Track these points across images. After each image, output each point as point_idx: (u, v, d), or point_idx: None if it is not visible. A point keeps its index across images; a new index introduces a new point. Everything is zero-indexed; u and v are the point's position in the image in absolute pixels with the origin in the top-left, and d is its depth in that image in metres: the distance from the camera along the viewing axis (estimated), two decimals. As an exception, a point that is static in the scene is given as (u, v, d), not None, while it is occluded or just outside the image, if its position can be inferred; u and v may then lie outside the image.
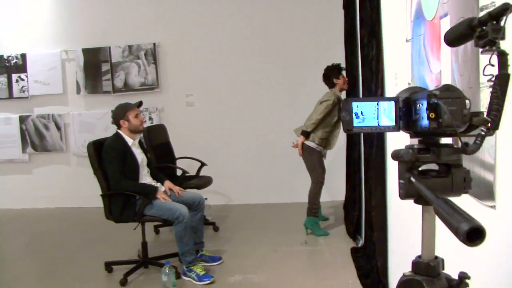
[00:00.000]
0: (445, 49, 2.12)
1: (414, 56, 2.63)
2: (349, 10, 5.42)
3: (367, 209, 4.39)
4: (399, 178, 1.22)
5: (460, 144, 1.06)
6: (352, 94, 5.37)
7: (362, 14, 4.37)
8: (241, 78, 7.19)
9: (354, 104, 1.25)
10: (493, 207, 1.62)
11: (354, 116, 1.24)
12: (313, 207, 5.56)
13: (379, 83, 3.59)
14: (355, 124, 1.24)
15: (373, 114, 1.24)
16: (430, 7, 2.32)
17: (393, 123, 1.24)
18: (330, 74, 5.54)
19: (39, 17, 7.60)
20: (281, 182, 7.13)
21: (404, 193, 1.21)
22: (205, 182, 5.93)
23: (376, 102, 1.24)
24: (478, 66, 1.74)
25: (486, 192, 1.66)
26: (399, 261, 3.44)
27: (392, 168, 3.49)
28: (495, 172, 1.61)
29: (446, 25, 2.09)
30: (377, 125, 1.24)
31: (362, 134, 4.75)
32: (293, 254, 5.03)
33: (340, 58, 5.75)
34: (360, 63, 4.64)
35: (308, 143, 5.48)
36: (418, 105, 1.16)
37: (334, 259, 4.85)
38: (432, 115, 1.08)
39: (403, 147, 1.22)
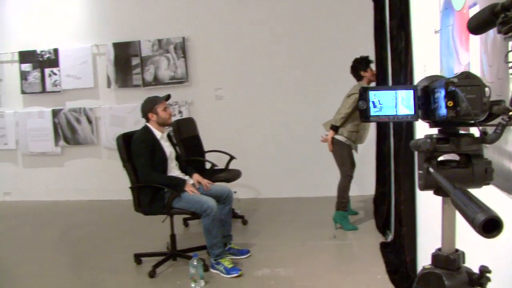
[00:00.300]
0: (474, 39, 2.06)
1: (443, 47, 2.57)
2: (378, 2, 5.35)
3: (396, 204, 4.33)
4: (418, 169, 1.19)
5: (479, 133, 1.02)
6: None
7: (391, 5, 4.31)
8: (269, 70, 7.17)
9: (372, 93, 1.22)
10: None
11: (371, 105, 1.21)
12: (342, 201, 5.51)
13: (408, 75, 3.53)
14: (372, 113, 1.22)
15: (391, 103, 1.21)
16: (459, -3, 2.26)
17: (412, 112, 1.21)
18: (358, 67, 5.48)
19: (71, 12, 7.71)
20: (310, 176, 7.09)
21: (423, 184, 1.17)
22: (234, 175, 5.93)
23: (394, 91, 1.21)
24: (508, 57, 1.69)
25: (515, 185, 1.61)
26: (428, 256, 3.38)
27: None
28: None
29: (475, 15, 2.03)
30: (395, 114, 1.20)
31: (392, 127, 4.68)
32: (321, 248, 5.00)
33: (369, 51, 5.67)
34: (390, 55, 4.58)
35: (337, 137, 5.43)
36: (437, 94, 1.13)
37: (363, 253, 4.80)
38: (450, 103, 1.04)
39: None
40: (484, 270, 1.16)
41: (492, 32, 1.24)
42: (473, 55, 2.08)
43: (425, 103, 1.19)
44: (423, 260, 3.51)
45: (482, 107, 1.04)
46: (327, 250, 4.99)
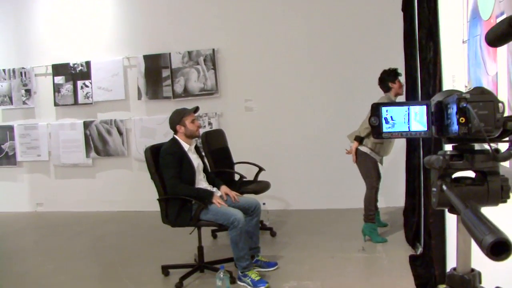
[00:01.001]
0: (502, 50, 2.03)
1: (471, 57, 2.53)
2: (408, 12, 5.30)
3: (426, 216, 4.26)
4: (432, 186, 1.16)
5: (491, 151, 0.99)
6: (411, 97, 5.24)
7: (420, 16, 4.27)
8: (298, 82, 7.16)
9: (384, 109, 1.20)
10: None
11: (383, 121, 1.19)
12: (369, 213, 5.45)
13: (437, 86, 3.49)
14: (384, 130, 1.19)
15: (403, 119, 1.18)
16: (486, 6, 2.23)
17: (425, 128, 1.19)
18: (386, 78, 5.43)
19: (103, 25, 7.86)
20: (339, 188, 7.04)
21: (437, 202, 1.15)
22: (262, 187, 5.91)
23: (406, 107, 1.18)
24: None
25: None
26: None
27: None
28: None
29: (502, 25, 2.00)
30: (407, 130, 1.18)
31: (421, 139, 4.62)
32: (350, 261, 4.95)
33: (398, 61, 5.63)
34: (419, 66, 4.53)
35: (361, 148, 5.39)
36: (450, 109, 1.10)
37: (392, 266, 4.73)
38: (462, 119, 1.02)
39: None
40: None
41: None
42: (501, 66, 2.04)
43: (438, 118, 1.16)
44: (453, 274, 3.43)
45: (496, 124, 1.01)
46: (355, 262, 4.94)
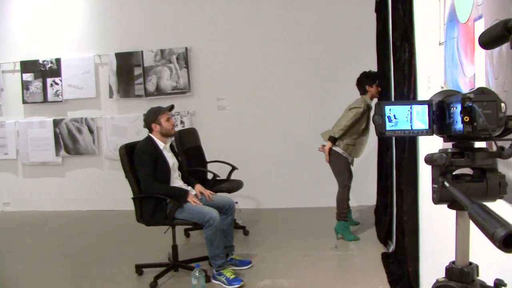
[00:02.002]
0: (479, 52, 2.08)
1: (447, 59, 2.59)
2: (381, 14, 5.38)
3: (398, 214, 4.34)
4: (433, 183, 1.20)
5: (495, 148, 1.03)
6: (384, 97, 5.32)
7: (394, 17, 4.33)
8: (271, 82, 7.20)
9: (387, 108, 1.23)
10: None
11: (387, 119, 1.22)
12: (342, 211, 5.52)
13: (412, 86, 3.55)
14: (387, 128, 1.22)
15: (406, 117, 1.22)
16: (464, 10, 2.28)
17: (427, 127, 1.22)
18: (365, 80, 5.50)
19: (74, 22, 7.75)
20: (311, 186, 7.10)
21: (438, 198, 1.18)
22: (235, 186, 5.93)
23: (409, 106, 1.22)
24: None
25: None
26: (431, 267, 3.39)
27: (424, 173, 3.44)
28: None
29: (480, 28, 2.05)
30: (410, 128, 1.22)
31: (394, 139, 4.70)
32: (323, 259, 5.00)
33: (371, 62, 5.71)
34: (392, 67, 4.60)
35: (335, 148, 5.45)
36: (452, 109, 1.14)
37: (365, 264, 4.80)
38: (467, 118, 1.05)
39: (436, 151, 1.20)
40: (499, 283, 1.16)
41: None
42: (479, 67, 2.10)
43: (439, 117, 1.20)
44: (426, 270, 3.52)
45: (498, 123, 1.05)
46: (329, 260, 4.99)
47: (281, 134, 7.23)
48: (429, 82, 3.16)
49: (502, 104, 1.05)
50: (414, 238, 3.68)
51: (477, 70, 2.14)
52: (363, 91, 5.53)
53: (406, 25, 3.69)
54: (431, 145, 3.11)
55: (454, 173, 1.18)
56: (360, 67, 5.60)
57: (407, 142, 3.67)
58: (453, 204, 1.21)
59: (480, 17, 2.07)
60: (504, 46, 1.75)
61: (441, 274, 1.44)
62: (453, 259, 1.29)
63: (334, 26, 6.95)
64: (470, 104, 1.04)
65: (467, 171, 1.19)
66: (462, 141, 1.18)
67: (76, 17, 7.74)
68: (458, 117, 1.09)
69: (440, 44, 2.74)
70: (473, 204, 0.99)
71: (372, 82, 5.48)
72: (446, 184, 1.15)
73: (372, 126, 5.43)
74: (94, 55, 7.62)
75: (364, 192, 6.52)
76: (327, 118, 5.88)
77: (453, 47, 2.46)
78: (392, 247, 4.86)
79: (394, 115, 1.21)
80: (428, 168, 3.38)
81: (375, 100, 5.59)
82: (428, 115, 1.21)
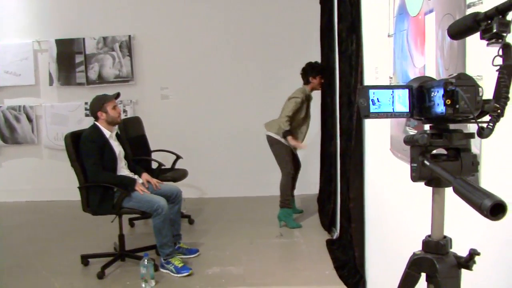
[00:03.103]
0: (430, 44, 2.18)
1: (397, 50, 2.69)
2: (326, 5, 5.48)
3: (343, 201, 4.46)
4: (412, 162, 1.29)
5: (477, 128, 1.13)
6: (328, 88, 5.44)
7: (340, 9, 4.43)
8: (216, 71, 7.21)
9: (371, 91, 1.31)
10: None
11: (371, 102, 1.30)
12: (285, 198, 5.63)
13: (359, 77, 3.65)
14: (371, 110, 1.30)
15: (388, 101, 1.30)
16: (414, 4, 2.37)
17: (407, 110, 1.31)
18: (309, 71, 5.59)
19: (11, 6, 7.45)
20: (255, 176, 7.17)
21: (417, 176, 1.28)
22: (180, 175, 5.93)
23: (391, 90, 1.30)
24: (464, 61, 1.80)
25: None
26: (376, 252, 3.52)
27: (371, 161, 3.56)
28: (480, 162, 1.67)
29: (431, 21, 2.15)
30: (392, 111, 1.30)
31: (338, 127, 4.81)
32: (270, 246, 5.09)
33: (316, 53, 5.81)
34: (338, 58, 4.70)
35: (276, 136, 5.55)
36: (433, 93, 1.23)
37: (310, 251, 4.92)
38: (449, 101, 1.14)
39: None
40: (473, 253, 1.27)
41: (448, 38, 1.34)
42: (429, 59, 2.20)
43: (419, 101, 1.29)
44: (371, 255, 3.65)
45: (477, 105, 1.15)
46: (275, 247, 5.08)
47: (225, 124, 7.26)
48: (376, 72, 3.26)
49: (480, 89, 1.14)
50: (360, 224, 3.80)
51: (427, 62, 2.24)
52: (306, 81, 5.63)
53: (354, 17, 3.78)
54: (376, 132, 3.23)
55: (432, 153, 1.28)
56: (304, 58, 5.70)
57: (354, 131, 3.77)
58: (430, 181, 1.31)
59: (431, 11, 2.16)
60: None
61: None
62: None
63: (279, 18, 7.02)
64: (453, 88, 1.13)
65: (441, 151, 1.30)
66: (440, 123, 1.28)
67: (15, 1, 7.46)
68: (439, 100, 1.18)
69: (389, 36, 2.84)
70: (456, 179, 1.09)
71: (316, 74, 5.58)
72: (426, 162, 1.24)
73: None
74: (33, 41, 7.38)
75: (307, 181, 6.64)
76: (271, 109, 5.96)
77: (403, 39, 2.56)
78: (336, 234, 4.99)
79: (377, 98, 1.29)
80: (374, 156, 3.50)
81: (316, 92, 5.71)
82: (409, 99, 1.30)
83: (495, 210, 0.98)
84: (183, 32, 7.19)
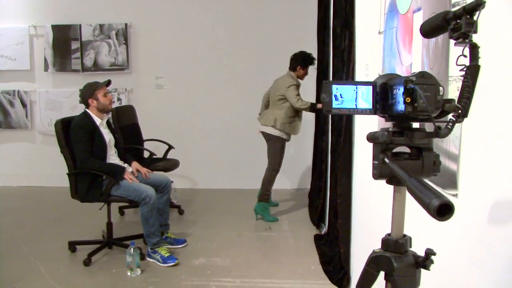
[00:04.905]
0: (417, 43, 2.18)
1: (386, 48, 2.68)
2: (323, 2, 5.47)
3: (332, 197, 4.46)
4: (373, 159, 1.29)
5: (433, 128, 1.12)
6: (323, 81, 5.42)
7: (336, 5, 4.42)
8: (210, 63, 7.19)
9: (334, 87, 1.29)
10: (455, 195, 1.68)
11: (333, 98, 1.29)
12: (266, 193, 5.67)
13: (350, 73, 3.64)
14: (334, 106, 1.29)
15: (351, 97, 1.29)
16: (404, 1, 2.37)
17: (370, 106, 1.29)
18: (299, 60, 5.57)
19: (8, -10, 7.42)
20: (247, 168, 7.16)
21: (378, 174, 1.27)
22: (172, 165, 5.93)
23: (355, 86, 1.29)
24: (447, 60, 1.80)
25: (449, 181, 1.72)
26: (361, 248, 3.52)
27: (359, 158, 3.56)
28: (459, 162, 1.67)
29: (419, 19, 2.15)
30: (355, 107, 1.29)
31: (330, 123, 4.81)
32: (257, 239, 5.10)
33: (311, 48, 5.79)
34: (332, 53, 4.69)
35: (274, 132, 5.53)
36: (395, 90, 1.22)
37: (298, 245, 4.93)
38: (408, 99, 1.14)
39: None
40: (429, 252, 1.27)
41: (434, 38, 1.35)
42: (415, 57, 2.20)
43: (382, 98, 1.28)
44: (357, 251, 3.66)
45: (436, 105, 1.15)
46: (262, 241, 5.09)
47: (219, 116, 7.26)
48: (367, 69, 3.26)
49: (440, 88, 1.14)
50: (346, 220, 3.81)
51: (414, 60, 2.24)
52: (292, 68, 5.61)
53: (347, 13, 3.78)
54: (367, 129, 3.23)
55: (393, 151, 1.27)
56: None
57: (343, 127, 3.77)
58: (391, 179, 1.30)
59: (419, 9, 2.16)
60: (440, 38, 1.86)
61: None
62: (382, 238, 1.40)
63: (275, 11, 6.99)
64: (412, 86, 1.12)
65: (405, 150, 1.29)
66: (402, 121, 1.27)
67: (11, -15, 7.42)
68: (400, 98, 1.18)
69: (379, 33, 2.84)
70: (410, 178, 1.09)
71: (305, 65, 5.58)
72: (386, 160, 1.23)
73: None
74: (29, 25, 7.33)
75: (299, 176, 6.64)
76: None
77: (392, 36, 2.56)
78: (324, 229, 5.00)
79: (340, 94, 1.28)
80: (362, 152, 3.50)
81: (311, 87, 5.72)
82: (372, 96, 1.29)
83: (442, 210, 0.98)
84: (180, 23, 7.16)
